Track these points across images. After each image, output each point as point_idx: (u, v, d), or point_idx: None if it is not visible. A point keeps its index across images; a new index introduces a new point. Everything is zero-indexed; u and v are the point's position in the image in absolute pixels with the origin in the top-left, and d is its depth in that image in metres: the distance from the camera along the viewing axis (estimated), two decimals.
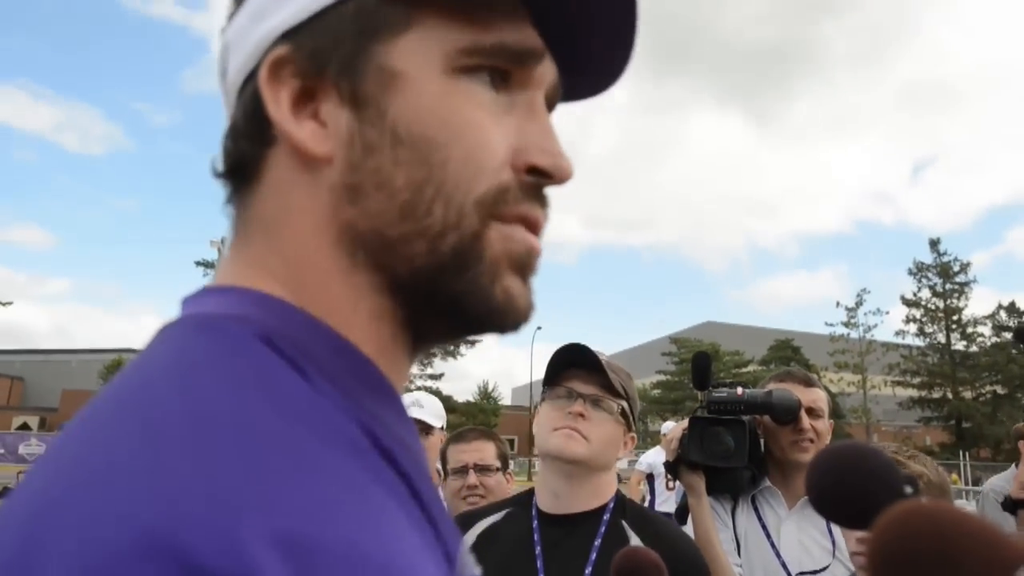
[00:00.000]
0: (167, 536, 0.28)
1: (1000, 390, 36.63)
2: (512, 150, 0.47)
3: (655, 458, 6.93)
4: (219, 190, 0.53)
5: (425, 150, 0.45)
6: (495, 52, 0.47)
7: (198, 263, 33.76)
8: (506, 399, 47.93)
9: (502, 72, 0.48)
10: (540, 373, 1.62)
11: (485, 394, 42.83)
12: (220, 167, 0.50)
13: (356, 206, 0.45)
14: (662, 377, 42.47)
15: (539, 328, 39.73)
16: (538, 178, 0.48)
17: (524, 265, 0.48)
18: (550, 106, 0.51)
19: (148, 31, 73.23)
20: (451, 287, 0.46)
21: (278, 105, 0.46)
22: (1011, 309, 37.36)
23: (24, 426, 38.98)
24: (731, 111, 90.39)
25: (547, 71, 0.50)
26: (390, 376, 0.47)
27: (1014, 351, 33.76)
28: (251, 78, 0.48)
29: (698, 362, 1.92)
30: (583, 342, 1.53)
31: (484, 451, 2.42)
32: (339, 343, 0.45)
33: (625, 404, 1.51)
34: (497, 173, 0.46)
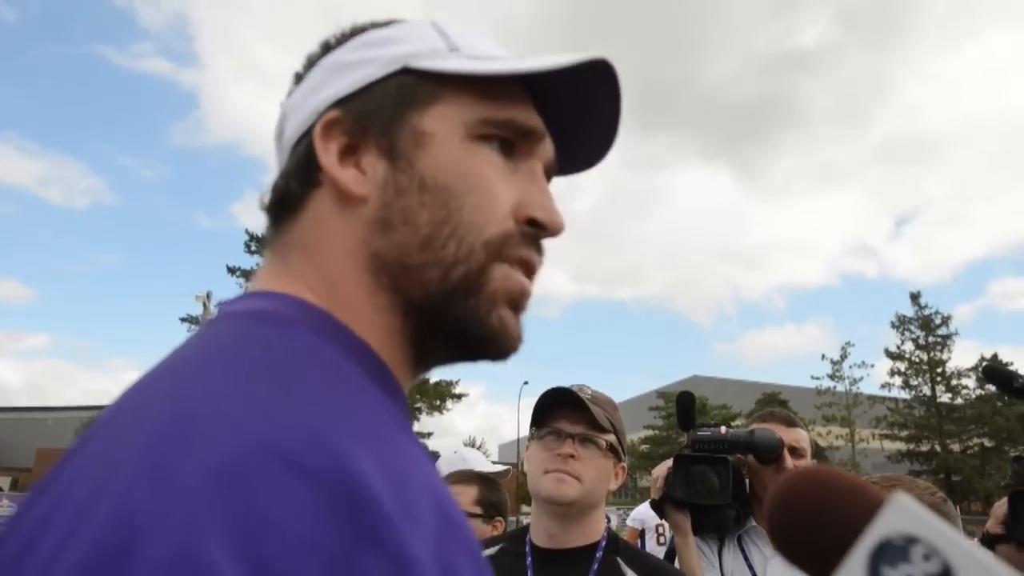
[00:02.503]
0: (275, 445, 0.36)
1: (987, 443, 36.59)
2: (515, 204, 0.57)
3: (646, 513, 6.84)
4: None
5: (445, 196, 0.55)
6: (505, 125, 0.58)
7: (183, 319, 33.35)
8: (493, 455, 47.18)
9: (510, 143, 0.59)
10: (527, 430, 1.65)
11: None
12: (268, 201, 0.61)
13: (385, 237, 0.55)
14: (650, 432, 42.08)
15: (526, 383, 39.46)
16: (536, 230, 0.58)
17: (517, 301, 0.58)
18: (548, 177, 0.62)
19: (136, 86, 74.26)
20: (456, 311, 0.55)
21: (328, 154, 0.57)
22: (994, 361, 37.70)
23: None
24: (716, 166, 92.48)
25: (546, 148, 0.62)
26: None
27: (999, 403, 33.88)
28: (304, 137, 0.59)
29: (683, 401, 1.96)
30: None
31: (461, 496, 2.30)
32: (364, 347, 0.53)
33: (613, 438, 1.54)
34: (503, 222, 0.56)
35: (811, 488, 0.43)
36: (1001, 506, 1.92)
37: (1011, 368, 2.09)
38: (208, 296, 25.17)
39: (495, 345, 0.57)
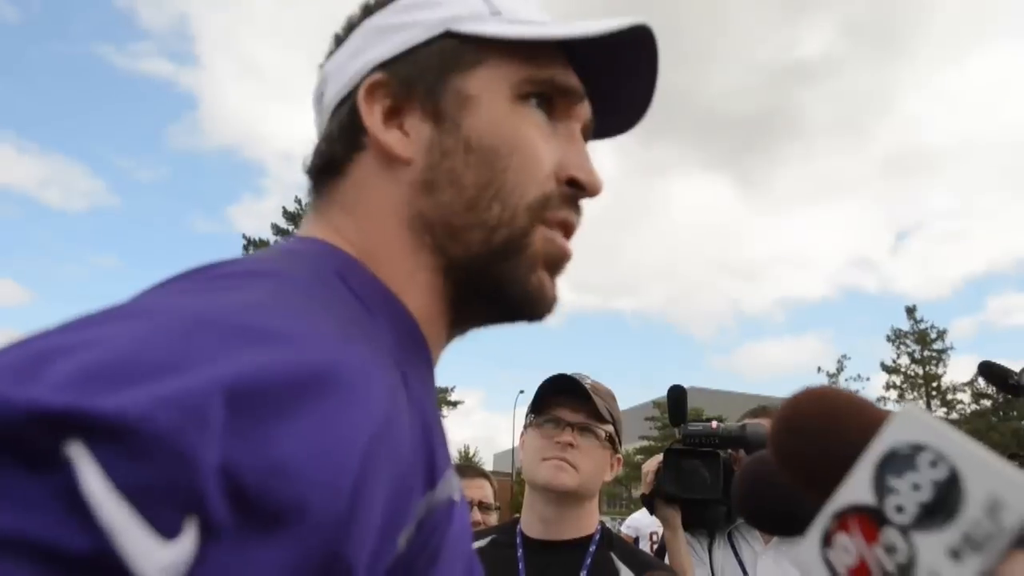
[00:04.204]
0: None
1: None
2: (556, 165, 0.58)
3: (641, 521, 6.80)
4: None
5: (491, 157, 0.55)
6: (546, 84, 0.59)
7: None
8: (488, 464, 47.07)
9: (549, 101, 0.59)
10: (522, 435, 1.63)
11: (466, 459, 42.07)
12: (311, 165, 0.61)
13: (430, 198, 0.55)
14: (645, 443, 42.00)
15: (522, 392, 39.36)
16: (575, 190, 0.59)
17: (556, 264, 0.59)
18: (585, 139, 0.63)
19: (136, 86, 73.44)
20: (496, 272, 0.56)
21: (372, 117, 0.57)
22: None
23: None
24: (717, 176, 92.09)
25: (584, 110, 0.62)
26: (431, 345, 0.56)
27: (994, 418, 33.90)
28: (346, 100, 0.60)
29: (674, 395, 1.94)
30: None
31: (485, 489, 2.45)
32: (391, 298, 0.53)
33: (611, 428, 1.52)
34: (544, 183, 0.57)
35: (818, 406, 0.42)
36: None
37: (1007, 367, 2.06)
38: None
39: (531, 307, 0.58)
